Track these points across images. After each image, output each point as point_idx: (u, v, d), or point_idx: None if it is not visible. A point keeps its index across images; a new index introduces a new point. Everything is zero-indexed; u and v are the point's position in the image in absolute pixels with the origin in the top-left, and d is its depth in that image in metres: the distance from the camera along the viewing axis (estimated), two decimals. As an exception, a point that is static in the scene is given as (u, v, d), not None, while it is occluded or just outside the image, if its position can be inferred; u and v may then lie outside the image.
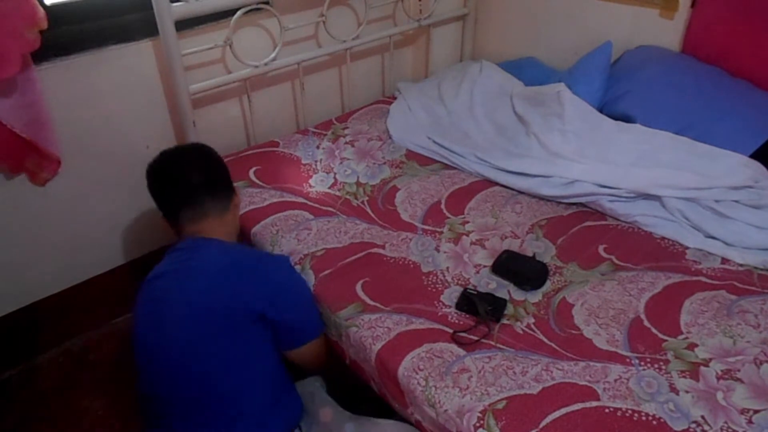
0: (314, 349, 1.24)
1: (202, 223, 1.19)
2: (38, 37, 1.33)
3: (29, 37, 1.32)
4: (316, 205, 1.58)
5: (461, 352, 1.10)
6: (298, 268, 1.36)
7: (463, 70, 2.09)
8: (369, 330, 1.17)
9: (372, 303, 1.25)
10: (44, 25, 1.33)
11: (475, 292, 1.24)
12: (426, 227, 1.49)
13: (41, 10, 1.32)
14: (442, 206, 1.56)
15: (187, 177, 1.21)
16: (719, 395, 1.00)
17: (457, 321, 1.19)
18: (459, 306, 1.22)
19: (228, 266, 1.12)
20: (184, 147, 1.35)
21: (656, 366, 1.06)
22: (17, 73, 1.34)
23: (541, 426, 0.96)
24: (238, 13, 1.63)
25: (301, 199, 1.60)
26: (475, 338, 1.13)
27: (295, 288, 1.24)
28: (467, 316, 1.20)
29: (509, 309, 1.21)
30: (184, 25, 1.63)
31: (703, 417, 0.97)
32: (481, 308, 1.17)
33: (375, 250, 1.40)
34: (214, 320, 1.07)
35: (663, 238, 1.41)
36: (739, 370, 1.04)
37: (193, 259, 1.13)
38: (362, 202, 1.60)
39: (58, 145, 1.52)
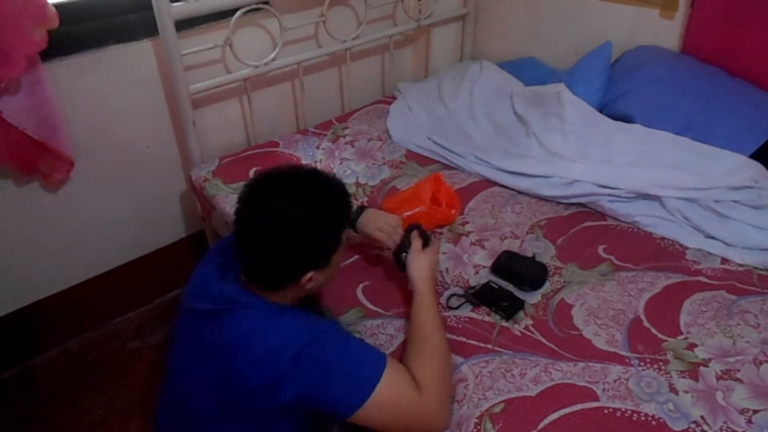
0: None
1: None
2: (45, 37, 1.32)
3: (36, 37, 1.30)
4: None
5: (458, 359, 1.09)
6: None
7: (463, 70, 2.09)
8: (371, 338, 1.16)
9: (373, 308, 1.24)
10: (55, 23, 1.31)
11: (497, 287, 1.25)
12: (425, 227, 1.48)
13: (52, 8, 1.30)
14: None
15: None
16: (719, 395, 1.00)
17: (455, 324, 1.18)
18: (477, 295, 1.22)
19: None
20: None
21: (656, 366, 1.06)
22: (22, 74, 1.32)
23: (539, 428, 0.95)
24: (238, 13, 1.63)
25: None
26: (474, 342, 1.12)
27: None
28: (471, 312, 1.20)
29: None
30: (184, 25, 1.62)
31: (702, 417, 0.96)
32: (496, 300, 1.19)
33: (375, 252, 1.39)
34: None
35: (663, 238, 1.41)
36: (738, 371, 1.04)
37: None
38: (361, 203, 1.59)
39: (70, 146, 1.51)
